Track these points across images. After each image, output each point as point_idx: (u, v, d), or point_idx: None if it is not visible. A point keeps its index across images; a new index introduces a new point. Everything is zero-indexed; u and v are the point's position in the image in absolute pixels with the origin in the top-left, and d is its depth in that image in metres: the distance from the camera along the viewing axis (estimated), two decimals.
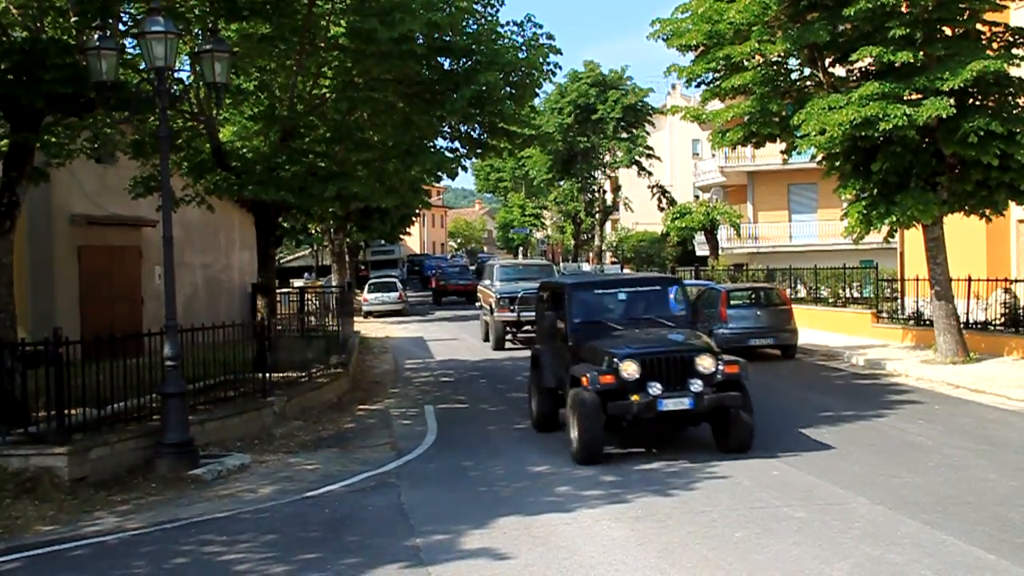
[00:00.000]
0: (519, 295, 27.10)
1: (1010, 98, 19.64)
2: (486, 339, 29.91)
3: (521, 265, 34.09)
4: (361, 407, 18.94)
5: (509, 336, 28.48)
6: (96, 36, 12.91)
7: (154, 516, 10.75)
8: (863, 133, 18.92)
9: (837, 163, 21.42)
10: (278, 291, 24.26)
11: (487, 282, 30.77)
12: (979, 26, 20.14)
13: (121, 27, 15.59)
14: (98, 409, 12.77)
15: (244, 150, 19.53)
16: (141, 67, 15.39)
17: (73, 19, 14.22)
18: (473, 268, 59.78)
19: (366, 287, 49.08)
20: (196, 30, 16.80)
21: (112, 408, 13.04)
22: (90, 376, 12.60)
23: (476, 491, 11.34)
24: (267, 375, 16.81)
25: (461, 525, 9.68)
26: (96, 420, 12.72)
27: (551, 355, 15.02)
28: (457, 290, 52.51)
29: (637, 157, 61.89)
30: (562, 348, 14.23)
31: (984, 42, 20.01)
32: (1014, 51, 20.01)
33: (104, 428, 12.77)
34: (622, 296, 14.98)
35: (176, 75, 15.98)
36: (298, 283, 47.40)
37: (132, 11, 16.20)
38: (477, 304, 32.62)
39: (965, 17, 19.75)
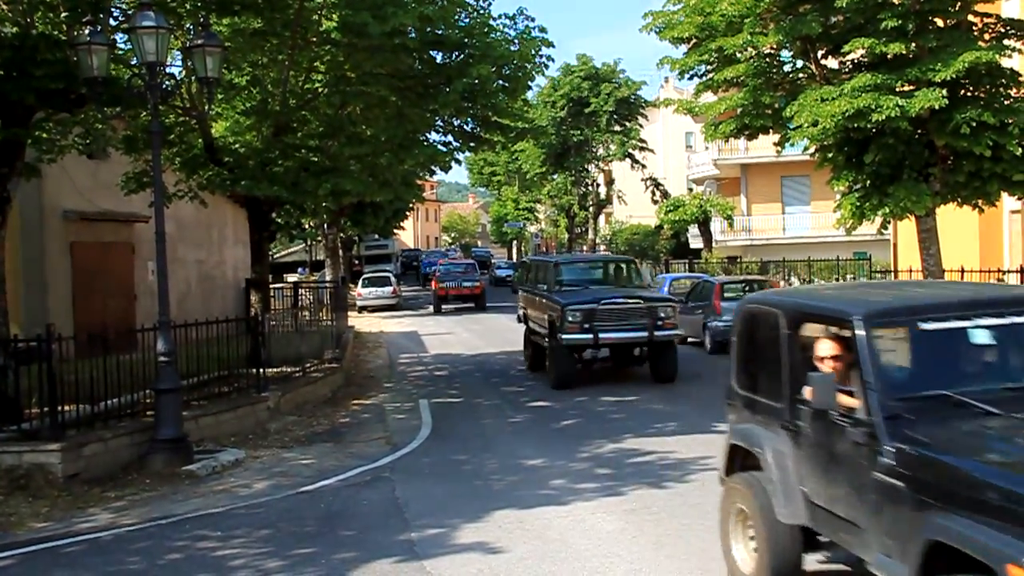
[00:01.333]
0: (598, 306, 19.17)
1: (1002, 89, 19.65)
2: (534, 366, 21.97)
3: (587, 263, 25.63)
4: (355, 402, 18.95)
5: (580, 366, 20.33)
6: (87, 31, 12.87)
7: (148, 512, 10.74)
8: (856, 124, 18.92)
9: (830, 155, 21.42)
10: (272, 286, 24.24)
11: (542, 287, 21.43)
12: (971, 17, 20.14)
13: (112, 22, 15.52)
14: (92, 405, 12.75)
15: (237, 145, 19.48)
16: (132, 62, 15.36)
17: (63, 14, 14.17)
18: (471, 263, 49.85)
19: (360, 282, 49.06)
20: (187, 25, 16.76)
21: (106, 404, 13.01)
22: (83, 372, 12.58)
23: (470, 485, 11.35)
24: (261, 370, 16.78)
25: (455, 519, 9.69)
26: (90, 416, 12.70)
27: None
28: (463, 294, 44.12)
29: (630, 150, 61.90)
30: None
31: (976, 33, 20.00)
32: (1006, 42, 20.00)
33: (98, 424, 12.75)
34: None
35: (168, 70, 15.89)
36: (292, 278, 47.34)
37: (123, 6, 16.17)
38: (519, 317, 23.69)
39: (957, 8, 19.75)
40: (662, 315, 19.19)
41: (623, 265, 23.49)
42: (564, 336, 18.84)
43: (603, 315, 18.97)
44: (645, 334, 19.04)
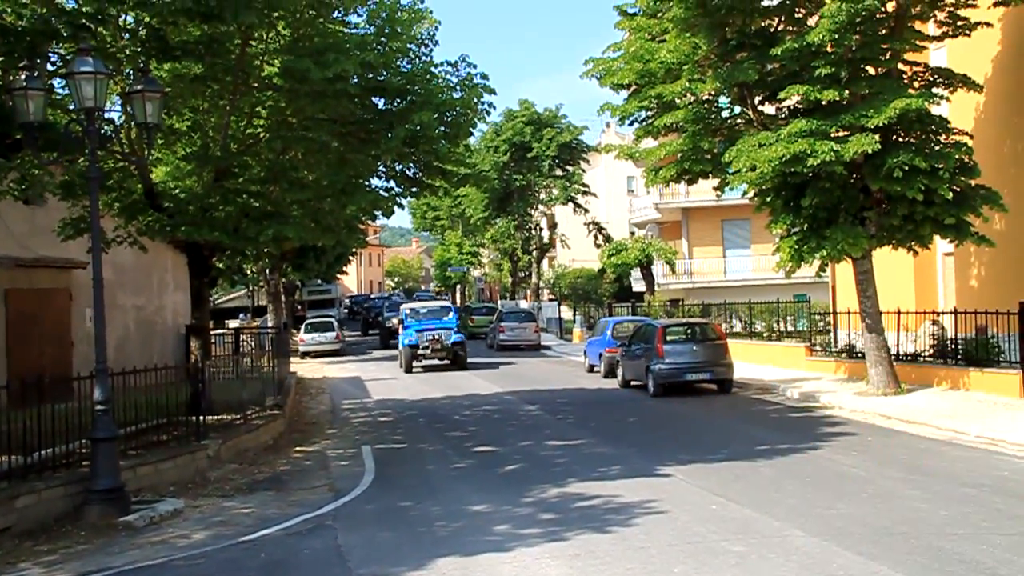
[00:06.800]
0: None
1: (932, 135, 20.18)
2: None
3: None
4: (298, 448, 18.71)
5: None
6: (23, 76, 12.73)
7: (82, 566, 10.47)
8: (792, 169, 19.31)
9: (768, 199, 21.80)
10: (213, 332, 23.93)
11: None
12: (901, 66, 20.72)
13: (49, 67, 15.39)
14: (25, 456, 12.45)
15: (177, 190, 19.30)
16: (70, 107, 15.19)
17: None
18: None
19: (303, 327, 48.66)
20: (127, 70, 16.64)
21: (40, 454, 12.71)
22: (16, 422, 12.30)
23: (414, 531, 11.25)
24: (201, 418, 16.52)
25: (399, 567, 9.58)
26: (23, 467, 12.38)
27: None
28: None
29: (573, 194, 62.44)
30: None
31: (906, 81, 20.58)
32: (934, 90, 20.60)
33: (31, 475, 12.44)
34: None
35: (106, 115, 15.79)
36: (233, 324, 46.84)
37: (61, 51, 16.01)
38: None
39: (887, 57, 20.31)
40: None
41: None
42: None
43: None
44: None
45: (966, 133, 20.65)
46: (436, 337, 34.46)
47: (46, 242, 20.91)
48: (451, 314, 37.06)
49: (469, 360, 35.94)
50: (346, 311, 78.68)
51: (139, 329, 27.92)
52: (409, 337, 34.93)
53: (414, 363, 34.61)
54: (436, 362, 34.78)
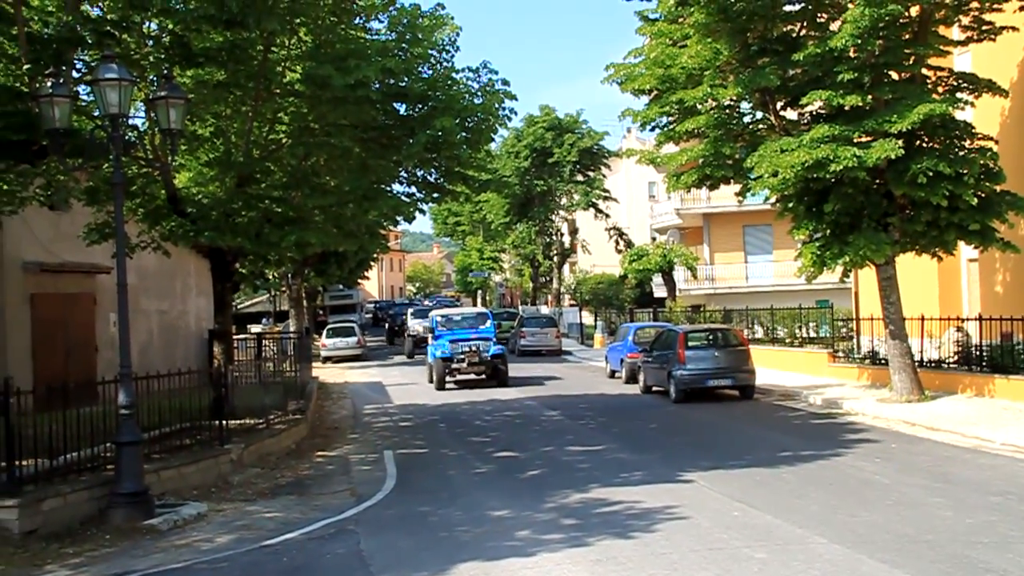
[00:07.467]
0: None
1: (956, 140, 20.06)
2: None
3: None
4: (320, 453, 18.77)
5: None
6: (49, 83, 12.85)
7: (107, 568, 10.54)
8: (815, 175, 19.22)
9: (790, 204, 21.73)
10: (235, 337, 24.05)
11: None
12: (924, 71, 20.61)
13: (75, 74, 15.51)
14: (50, 460, 12.55)
15: (200, 196, 19.43)
16: (95, 114, 15.30)
17: (26, 66, 14.15)
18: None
19: (324, 332, 48.79)
20: (151, 76, 16.76)
21: (65, 458, 12.81)
22: (42, 426, 12.40)
23: (436, 536, 11.26)
24: (224, 422, 16.61)
25: (421, 571, 9.60)
26: (48, 471, 12.49)
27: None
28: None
29: (594, 200, 62.34)
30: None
31: (930, 86, 20.47)
32: (959, 95, 20.48)
33: (56, 479, 12.54)
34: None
35: (130, 121, 15.92)
36: (256, 329, 47.07)
37: (86, 58, 16.14)
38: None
39: (911, 62, 20.21)
40: None
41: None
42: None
43: None
44: None
45: (991, 138, 20.53)
46: (473, 349, 29.99)
47: (71, 247, 21.08)
48: (488, 322, 32.48)
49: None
50: (369, 316, 78.69)
51: (162, 334, 28.09)
52: (442, 348, 30.38)
53: (447, 378, 30.32)
54: (472, 377, 30.53)
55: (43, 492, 12.10)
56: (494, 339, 31.35)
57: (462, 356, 30.02)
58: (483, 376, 30.47)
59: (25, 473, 12.06)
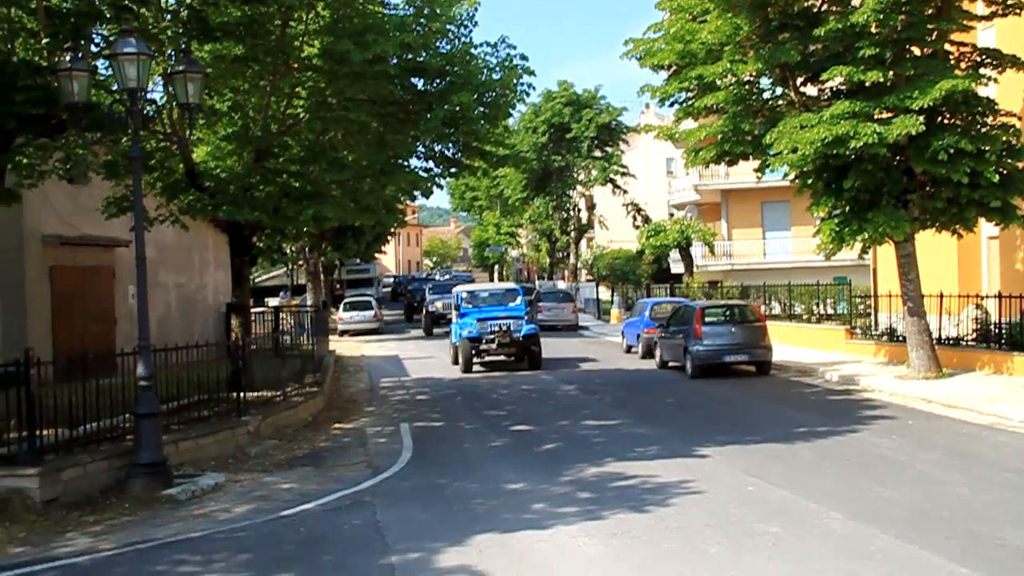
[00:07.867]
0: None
1: (978, 117, 19.88)
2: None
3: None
4: (336, 425, 18.88)
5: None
6: (68, 57, 12.87)
7: (127, 537, 10.66)
8: (834, 151, 19.10)
9: (809, 181, 21.61)
10: (253, 310, 24.18)
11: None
12: (947, 46, 20.41)
13: (93, 48, 15.58)
14: (71, 430, 12.68)
15: (218, 170, 19.49)
16: (113, 88, 15.36)
17: (44, 40, 14.19)
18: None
19: (341, 306, 48.94)
20: (169, 51, 16.79)
21: (85, 429, 12.94)
22: (62, 397, 12.52)
23: (452, 508, 11.33)
24: (241, 394, 16.74)
25: (437, 543, 9.66)
26: (68, 441, 12.62)
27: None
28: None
29: (611, 175, 62.17)
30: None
31: (952, 62, 20.27)
32: (982, 71, 20.28)
33: (76, 449, 12.68)
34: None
35: (149, 96, 15.96)
36: (273, 302, 47.24)
37: (104, 32, 16.18)
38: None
39: (933, 37, 20.00)
40: None
41: None
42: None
43: None
44: None
45: (1014, 114, 20.34)
46: (504, 328, 27.31)
47: (90, 221, 21.21)
48: (519, 298, 29.67)
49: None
50: (387, 290, 78.69)
51: (180, 307, 28.26)
52: (468, 328, 27.83)
53: (475, 359, 27.85)
54: (502, 358, 28.23)
55: (63, 461, 12.25)
56: (525, 317, 28.44)
57: (492, 336, 27.33)
58: (512, 358, 28.20)
59: (46, 443, 12.20)
